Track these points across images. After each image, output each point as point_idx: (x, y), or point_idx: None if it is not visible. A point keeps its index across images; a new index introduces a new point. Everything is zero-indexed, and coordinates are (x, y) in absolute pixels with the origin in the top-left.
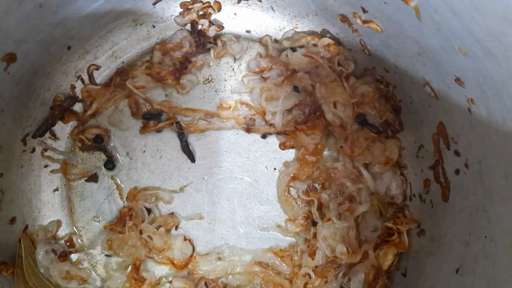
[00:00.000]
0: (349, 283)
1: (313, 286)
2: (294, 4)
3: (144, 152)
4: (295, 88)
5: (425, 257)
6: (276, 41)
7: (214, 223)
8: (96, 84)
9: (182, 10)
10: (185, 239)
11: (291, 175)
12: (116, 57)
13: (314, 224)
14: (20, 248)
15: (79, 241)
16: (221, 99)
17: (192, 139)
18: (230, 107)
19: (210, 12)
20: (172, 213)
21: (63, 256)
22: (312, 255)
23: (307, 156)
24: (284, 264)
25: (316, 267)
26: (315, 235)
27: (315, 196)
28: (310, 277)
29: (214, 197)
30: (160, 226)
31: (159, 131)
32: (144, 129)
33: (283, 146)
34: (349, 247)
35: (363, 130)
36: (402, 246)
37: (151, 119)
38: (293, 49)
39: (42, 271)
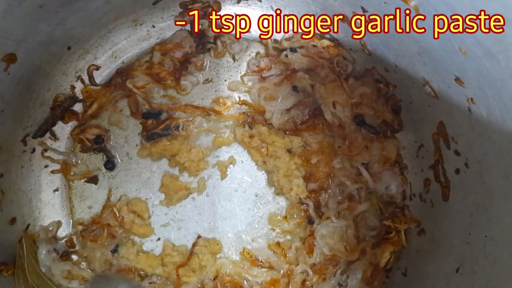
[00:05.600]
0: (347, 281)
1: (311, 283)
2: (293, 4)
3: None
4: (294, 88)
5: (425, 257)
6: (276, 41)
7: (214, 223)
8: (96, 85)
9: (181, 10)
10: None
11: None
12: (116, 57)
13: (311, 222)
14: (20, 249)
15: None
16: (220, 98)
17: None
18: (225, 103)
19: (210, 12)
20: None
21: (65, 256)
22: (310, 253)
23: (311, 156)
24: (281, 259)
25: (314, 264)
26: (311, 233)
27: (313, 197)
28: (308, 274)
29: (214, 197)
30: None
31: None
32: (144, 132)
33: None
34: (348, 246)
35: (361, 131)
36: (398, 244)
37: (150, 118)
38: (293, 50)
39: (43, 270)
